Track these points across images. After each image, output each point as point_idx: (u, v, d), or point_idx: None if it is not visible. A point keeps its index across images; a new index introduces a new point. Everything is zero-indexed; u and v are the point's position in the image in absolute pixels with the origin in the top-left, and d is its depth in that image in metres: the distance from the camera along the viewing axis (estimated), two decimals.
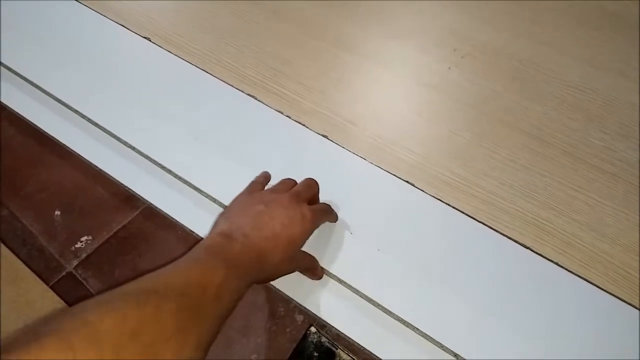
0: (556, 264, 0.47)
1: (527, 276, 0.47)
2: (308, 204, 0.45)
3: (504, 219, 0.50)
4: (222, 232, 0.38)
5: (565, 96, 0.61)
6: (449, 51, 0.65)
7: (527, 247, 0.48)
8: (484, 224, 0.50)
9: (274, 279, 0.40)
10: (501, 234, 0.49)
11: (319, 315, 0.44)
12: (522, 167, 0.54)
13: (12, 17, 0.67)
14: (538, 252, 0.48)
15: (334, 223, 0.49)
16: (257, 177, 0.49)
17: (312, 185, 0.46)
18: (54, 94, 0.58)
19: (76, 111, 0.56)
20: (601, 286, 0.46)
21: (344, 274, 0.46)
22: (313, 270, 0.45)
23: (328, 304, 0.45)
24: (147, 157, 0.53)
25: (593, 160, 0.55)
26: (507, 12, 0.70)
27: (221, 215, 0.41)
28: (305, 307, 0.45)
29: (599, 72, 0.64)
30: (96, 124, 0.55)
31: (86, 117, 0.56)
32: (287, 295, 0.46)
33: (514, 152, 0.55)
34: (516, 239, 0.49)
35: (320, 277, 0.46)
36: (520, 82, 0.62)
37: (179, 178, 0.51)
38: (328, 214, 0.47)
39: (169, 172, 0.52)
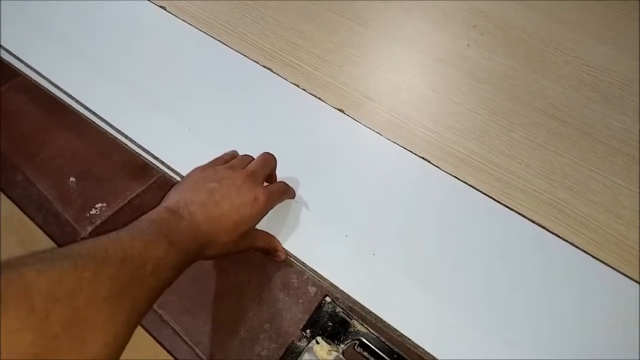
0: (571, 244, 0.47)
1: (541, 256, 0.47)
2: (266, 180, 0.44)
3: (519, 198, 0.50)
4: (169, 208, 0.37)
5: (584, 76, 0.60)
6: (468, 28, 0.64)
7: (542, 227, 0.48)
8: (498, 201, 0.50)
9: (221, 257, 0.40)
10: (516, 212, 0.49)
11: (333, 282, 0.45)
12: (539, 146, 0.54)
13: None
14: (553, 231, 0.48)
15: (293, 199, 0.48)
16: (224, 154, 0.47)
17: (268, 162, 0.45)
18: (69, 61, 0.58)
19: (91, 79, 0.56)
20: (616, 267, 0.46)
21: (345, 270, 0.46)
22: (273, 251, 0.45)
23: (343, 271, 0.45)
24: (161, 126, 0.53)
25: (611, 141, 0.54)
26: None
27: (174, 187, 0.41)
28: (318, 279, 0.45)
29: (619, 52, 0.63)
30: (110, 93, 0.55)
31: (100, 86, 0.55)
32: (301, 266, 0.46)
33: (531, 131, 0.55)
34: (531, 218, 0.49)
35: (283, 260, 0.45)
36: (539, 61, 0.61)
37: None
38: (284, 193, 0.46)
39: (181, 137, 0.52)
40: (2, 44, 0.60)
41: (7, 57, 0.60)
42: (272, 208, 0.43)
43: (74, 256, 0.28)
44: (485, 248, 0.47)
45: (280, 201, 0.45)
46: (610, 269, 0.46)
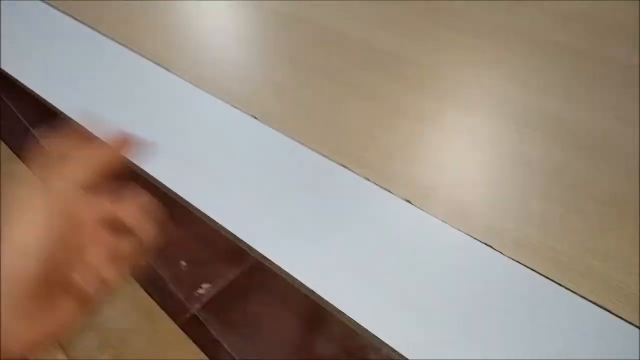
0: (636, 326, 0.50)
1: (608, 340, 0.49)
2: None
3: (580, 281, 0.54)
4: None
5: (635, 164, 0.64)
6: (519, 124, 0.71)
7: (606, 309, 0.51)
8: (558, 283, 0.54)
9: None
10: (579, 295, 0.53)
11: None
12: (597, 231, 0.58)
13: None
14: (617, 314, 0.51)
15: None
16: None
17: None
18: (167, 162, 0.70)
19: (186, 175, 0.68)
20: None
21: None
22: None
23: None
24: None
25: None
26: (576, 85, 0.76)
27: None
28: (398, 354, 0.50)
29: None
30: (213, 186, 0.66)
31: (196, 181, 0.67)
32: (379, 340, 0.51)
33: (588, 217, 0.59)
34: (594, 301, 0.52)
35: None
36: (591, 151, 0.67)
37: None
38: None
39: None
40: None
41: None
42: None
43: None
44: (551, 332, 0.50)
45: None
46: None
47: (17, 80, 0.80)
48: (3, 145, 0.73)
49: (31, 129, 0.73)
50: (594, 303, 0.52)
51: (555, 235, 0.58)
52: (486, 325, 0.51)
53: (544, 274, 0.55)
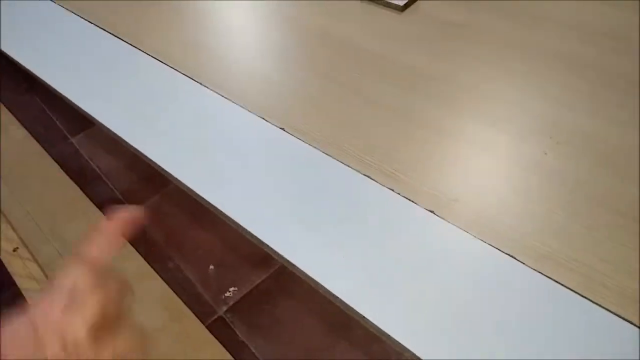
0: None
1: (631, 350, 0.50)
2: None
3: (602, 292, 0.54)
4: None
5: None
6: (544, 138, 0.72)
7: (627, 320, 0.51)
8: (581, 295, 0.54)
9: None
10: (600, 306, 0.53)
11: None
12: (619, 244, 0.58)
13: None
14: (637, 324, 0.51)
15: None
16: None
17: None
18: (205, 173, 0.73)
19: (220, 187, 0.70)
20: None
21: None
22: None
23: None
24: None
25: None
26: (601, 100, 0.76)
27: None
28: None
29: None
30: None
31: (229, 191, 0.69)
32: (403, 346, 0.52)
33: (611, 230, 0.59)
34: (615, 312, 0.52)
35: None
36: (615, 166, 0.67)
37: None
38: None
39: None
40: (155, 160, 0.77)
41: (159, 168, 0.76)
42: None
43: None
44: (574, 343, 0.51)
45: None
46: None
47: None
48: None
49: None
50: (618, 315, 0.52)
51: (578, 248, 0.58)
52: (509, 336, 0.52)
53: (567, 285, 0.55)
